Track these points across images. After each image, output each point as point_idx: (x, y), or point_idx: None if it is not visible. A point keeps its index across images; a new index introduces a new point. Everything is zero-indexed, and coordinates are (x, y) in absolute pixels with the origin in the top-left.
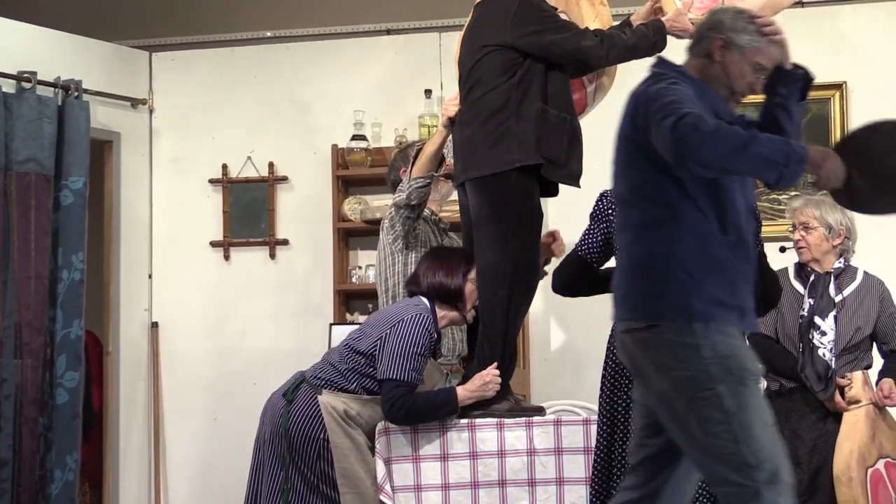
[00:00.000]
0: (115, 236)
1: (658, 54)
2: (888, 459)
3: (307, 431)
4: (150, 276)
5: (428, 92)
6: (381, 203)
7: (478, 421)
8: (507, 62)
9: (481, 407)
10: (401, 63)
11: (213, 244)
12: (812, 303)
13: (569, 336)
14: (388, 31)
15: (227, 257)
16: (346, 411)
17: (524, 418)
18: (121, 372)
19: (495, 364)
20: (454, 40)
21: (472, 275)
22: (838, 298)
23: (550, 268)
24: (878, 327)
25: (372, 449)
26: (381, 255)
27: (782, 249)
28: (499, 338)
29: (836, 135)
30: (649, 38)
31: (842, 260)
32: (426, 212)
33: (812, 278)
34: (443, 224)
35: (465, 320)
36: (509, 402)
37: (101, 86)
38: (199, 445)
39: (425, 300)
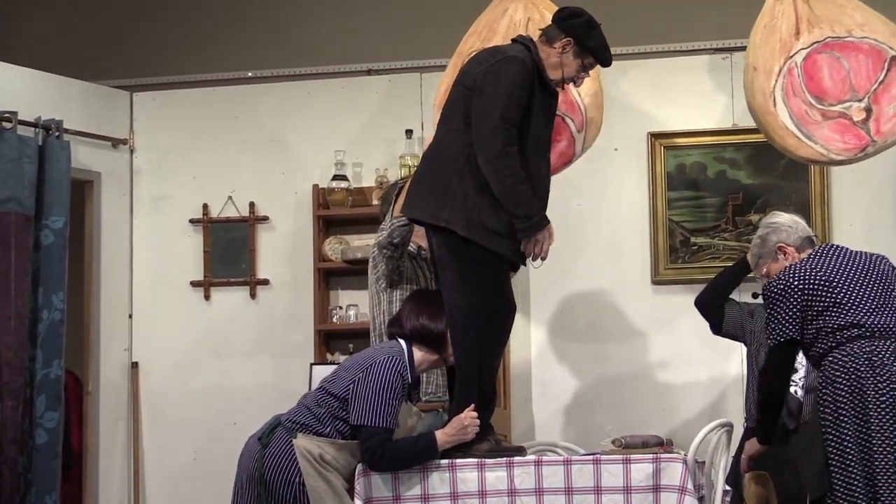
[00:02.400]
0: (96, 276)
1: None
2: None
3: (282, 475)
4: (130, 316)
5: (409, 132)
6: (362, 243)
7: (458, 461)
8: (468, 108)
9: (462, 447)
10: (382, 103)
11: (194, 284)
12: None
13: (551, 375)
14: (370, 72)
15: (207, 297)
16: (322, 455)
17: (505, 458)
18: (101, 412)
19: (472, 406)
20: (435, 81)
21: None
22: None
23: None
24: None
25: (350, 492)
26: (369, 295)
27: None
28: (473, 379)
29: (815, 176)
30: (522, 208)
31: None
32: (413, 248)
33: None
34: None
35: (446, 363)
36: (489, 443)
37: (81, 126)
38: (179, 485)
39: (402, 343)
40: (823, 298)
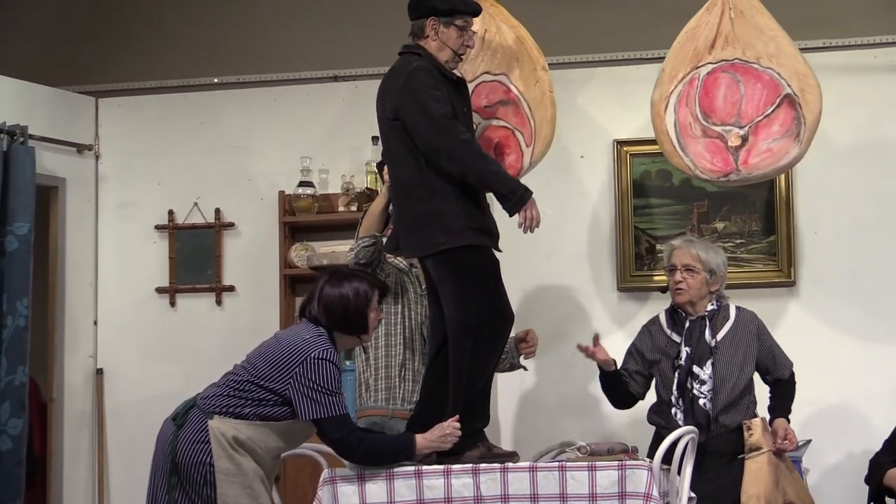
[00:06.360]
0: (60, 282)
1: None
2: None
3: (194, 456)
4: (95, 323)
5: (375, 139)
6: (327, 249)
7: (425, 468)
8: (403, 138)
9: (454, 454)
10: (348, 110)
11: (159, 290)
12: (689, 351)
13: (516, 383)
14: (336, 78)
15: (172, 304)
16: (236, 437)
17: (499, 464)
18: (65, 419)
19: (456, 417)
20: None
21: (374, 302)
22: (713, 343)
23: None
24: (759, 362)
25: (263, 478)
26: None
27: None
28: (462, 389)
29: (780, 183)
30: (505, 185)
31: (714, 302)
32: (404, 264)
33: (687, 325)
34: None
35: (361, 342)
36: (480, 449)
37: (47, 131)
38: (143, 492)
39: (322, 330)
40: None
